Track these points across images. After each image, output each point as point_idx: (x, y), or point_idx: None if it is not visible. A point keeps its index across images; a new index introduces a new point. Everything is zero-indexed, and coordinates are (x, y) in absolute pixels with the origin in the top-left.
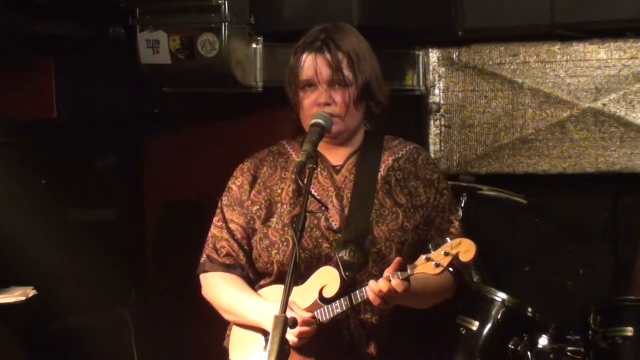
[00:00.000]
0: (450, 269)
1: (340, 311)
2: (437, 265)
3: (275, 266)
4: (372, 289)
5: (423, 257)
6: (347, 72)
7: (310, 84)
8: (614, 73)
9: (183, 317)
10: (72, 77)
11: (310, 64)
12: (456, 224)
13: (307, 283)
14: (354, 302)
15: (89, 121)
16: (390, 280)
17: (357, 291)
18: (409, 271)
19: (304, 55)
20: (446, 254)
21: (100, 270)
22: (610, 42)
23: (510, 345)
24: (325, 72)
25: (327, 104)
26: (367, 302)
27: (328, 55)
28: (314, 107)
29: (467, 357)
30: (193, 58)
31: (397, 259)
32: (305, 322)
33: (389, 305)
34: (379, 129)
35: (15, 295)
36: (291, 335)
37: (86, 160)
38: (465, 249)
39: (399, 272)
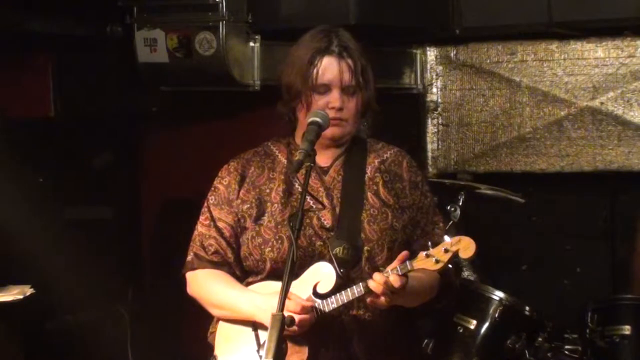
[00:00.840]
0: (450, 265)
1: (335, 306)
2: (437, 261)
3: (268, 264)
4: (374, 287)
5: (423, 253)
6: (361, 78)
7: (326, 87)
8: (611, 72)
9: (180, 315)
10: (69, 76)
11: (334, 68)
12: (440, 224)
13: (301, 278)
14: (350, 298)
15: (87, 119)
16: (388, 277)
17: (355, 286)
18: (408, 266)
19: (325, 59)
20: (446, 250)
21: (97, 268)
22: (608, 41)
23: (507, 344)
24: (347, 77)
25: (340, 109)
26: (360, 298)
27: (350, 61)
28: (325, 110)
29: (465, 355)
30: (190, 56)
31: (405, 252)
32: (305, 309)
33: (388, 305)
34: (373, 126)
35: (12, 294)
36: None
37: (83, 159)
38: (465, 246)
39: (398, 267)
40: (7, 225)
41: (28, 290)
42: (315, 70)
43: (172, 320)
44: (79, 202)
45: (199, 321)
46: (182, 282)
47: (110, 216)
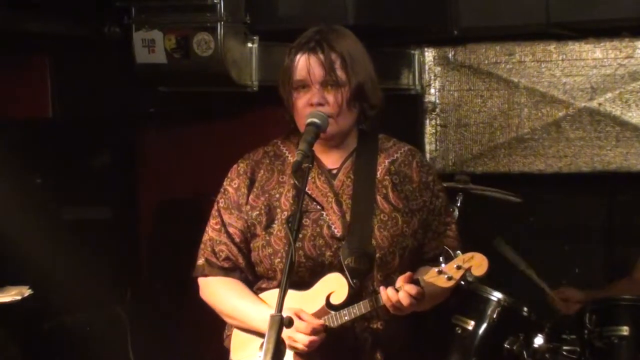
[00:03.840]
0: (462, 282)
1: (349, 319)
2: (449, 278)
3: (278, 274)
4: (390, 298)
5: (435, 269)
6: (340, 72)
7: (304, 85)
8: (609, 72)
9: (178, 316)
10: (67, 76)
11: (304, 65)
12: (452, 226)
13: (313, 289)
14: (362, 312)
15: (84, 120)
16: (408, 291)
17: (367, 300)
18: (420, 283)
19: (298, 56)
20: (458, 267)
21: (95, 269)
22: (606, 42)
23: (506, 345)
24: (318, 72)
25: (320, 104)
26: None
27: (321, 56)
28: (307, 107)
29: (463, 356)
30: (189, 57)
31: (408, 273)
32: (315, 331)
33: (405, 313)
34: (373, 128)
35: (10, 295)
36: (300, 345)
37: (81, 159)
38: (478, 264)
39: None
40: (5, 226)
41: (26, 291)
42: (291, 68)
43: (171, 321)
44: (76, 202)
45: (197, 322)
46: (180, 283)
47: (108, 217)
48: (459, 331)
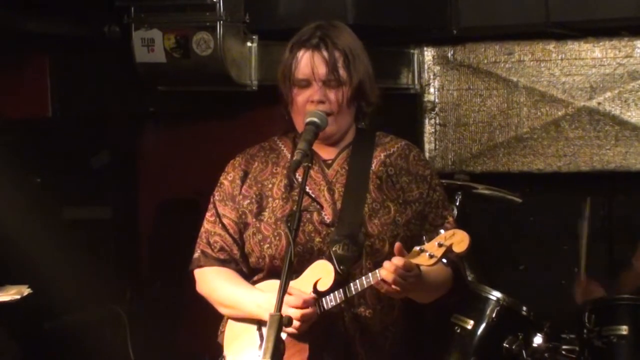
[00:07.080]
0: (444, 260)
1: (335, 304)
2: (431, 256)
3: (267, 260)
4: (388, 268)
5: (417, 248)
6: (342, 71)
7: (306, 81)
8: (609, 72)
9: (178, 315)
10: (67, 76)
11: (307, 62)
12: (450, 219)
13: (301, 277)
14: (349, 295)
15: (84, 120)
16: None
17: (352, 284)
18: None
19: (301, 52)
20: (440, 245)
21: (95, 268)
22: (605, 41)
23: (505, 344)
24: (321, 70)
25: (321, 102)
26: (361, 295)
27: (325, 53)
28: (307, 104)
29: (462, 356)
30: (188, 57)
31: (397, 243)
32: (307, 303)
33: (401, 295)
34: (371, 125)
35: (10, 294)
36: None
37: (81, 159)
38: (459, 240)
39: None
40: (5, 226)
41: (26, 291)
42: (293, 65)
43: (170, 320)
44: (76, 202)
45: (197, 321)
46: (179, 281)
47: (107, 216)
48: (458, 330)
